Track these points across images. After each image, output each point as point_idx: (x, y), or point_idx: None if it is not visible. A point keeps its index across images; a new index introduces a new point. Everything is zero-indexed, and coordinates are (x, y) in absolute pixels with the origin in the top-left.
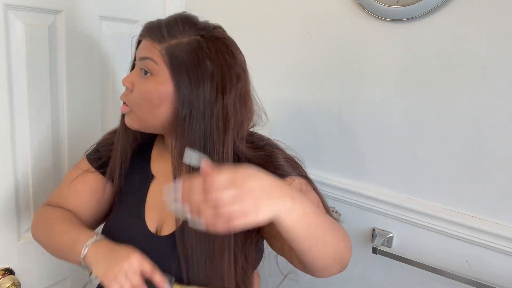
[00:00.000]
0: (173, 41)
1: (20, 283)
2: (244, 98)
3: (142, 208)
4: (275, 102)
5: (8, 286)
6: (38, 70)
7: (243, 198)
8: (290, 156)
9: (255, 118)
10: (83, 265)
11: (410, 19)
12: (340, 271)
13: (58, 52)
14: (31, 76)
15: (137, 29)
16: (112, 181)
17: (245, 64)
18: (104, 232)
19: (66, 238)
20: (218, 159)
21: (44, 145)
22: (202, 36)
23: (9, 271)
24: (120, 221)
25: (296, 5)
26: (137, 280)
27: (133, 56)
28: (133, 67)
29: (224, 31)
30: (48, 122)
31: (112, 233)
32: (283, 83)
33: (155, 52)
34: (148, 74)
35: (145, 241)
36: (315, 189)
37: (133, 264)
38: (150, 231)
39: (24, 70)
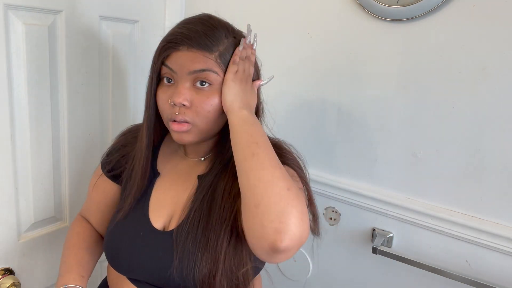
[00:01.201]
0: (221, 47)
1: (20, 283)
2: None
3: (146, 205)
4: (274, 102)
5: (8, 286)
6: (38, 70)
7: (244, 72)
8: (296, 159)
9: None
10: None
11: (410, 19)
12: (277, 237)
13: (58, 52)
14: (31, 76)
15: (137, 29)
16: (133, 185)
17: None
18: (108, 228)
19: (61, 267)
20: None
21: (44, 145)
22: (234, 37)
23: (9, 271)
24: (124, 217)
25: (296, 5)
26: None
27: (157, 68)
28: (158, 79)
29: None
30: (48, 122)
31: (116, 229)
32: (283, 83)
33: (210, 62)
34: (207, 84)
35: (148, 237)
36: (306, 183)
37: None
38: (153, 227)
39: (24, 70)
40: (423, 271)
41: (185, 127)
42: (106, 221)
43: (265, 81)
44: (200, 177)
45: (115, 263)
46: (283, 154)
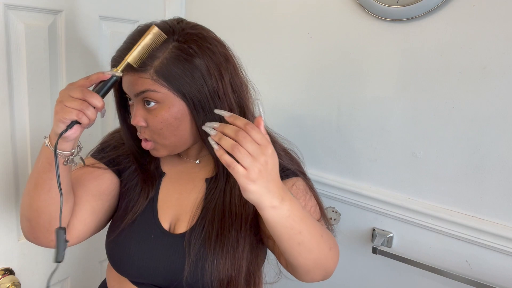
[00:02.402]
0: (157, 62)
1: (20, 283)
2: (237, 74)
3: (155, 206)
4: (274, 102)
5: (8, 286)
6: (38, 70)
7: (258, 160)
8: (287, 150)
9: (251, 92)
10: (48, 145)
11: (410, 19)
12: (323, 279)
13: (58, 52)
14: (31, 76)
15: None
16: (150, 185)
17: (223, 42)
18: (110, 237)
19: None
20: None
21: None
22: (177, 41)
23: (9, 271)
24: (133, 219)
25: (296, 5)
26: (79, 91)
27: (117, 94)
28: (121, 104)
29: (187, 21)
30: (48, 122)
31: (124, 232)
32: (283, 83)
33: (147, 82)
34: (153, 103)
35: (159, 239)
36: (312, 189)
37: (66, 90)
38: (164, 229)
39: (24, 70)
40: (423, 271)
41: (149, 145)
42: (81, 198)
43: (260, 110)
44: (208, 181)
45: (122, 267)
46: (279, 152)
